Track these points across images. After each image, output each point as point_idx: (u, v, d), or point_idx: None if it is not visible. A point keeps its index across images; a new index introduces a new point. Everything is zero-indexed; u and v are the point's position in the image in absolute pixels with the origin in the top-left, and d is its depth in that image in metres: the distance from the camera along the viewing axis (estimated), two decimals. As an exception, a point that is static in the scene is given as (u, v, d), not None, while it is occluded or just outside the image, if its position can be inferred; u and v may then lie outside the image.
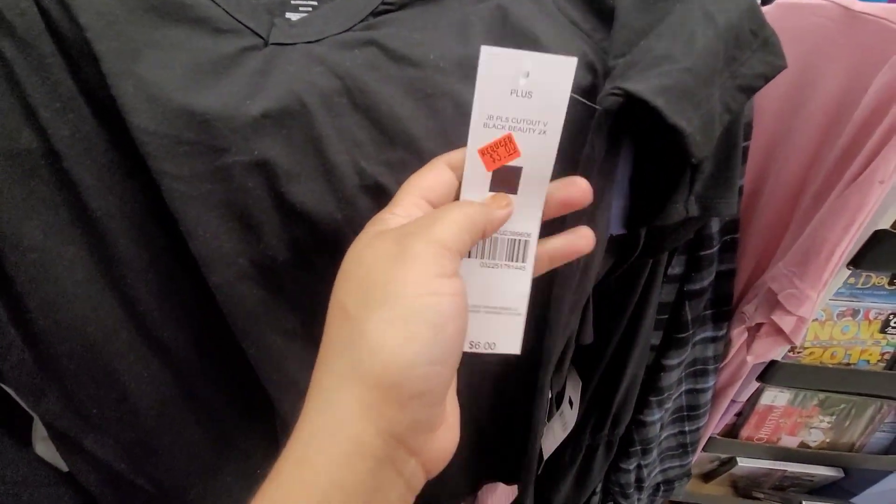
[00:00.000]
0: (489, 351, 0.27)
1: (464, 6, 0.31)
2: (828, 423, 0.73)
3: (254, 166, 0.27)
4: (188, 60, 0.25)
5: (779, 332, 0.40)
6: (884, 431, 0.75)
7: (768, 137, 0.38)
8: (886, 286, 0.58)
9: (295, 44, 0.28)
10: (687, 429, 0.60)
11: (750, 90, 0.29)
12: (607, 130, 0.27)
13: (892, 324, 0.59)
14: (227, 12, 0.27)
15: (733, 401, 0.68)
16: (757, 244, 0.43)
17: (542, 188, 0.24)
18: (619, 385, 0.47)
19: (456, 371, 0.21)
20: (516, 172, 0.24)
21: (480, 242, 0.25)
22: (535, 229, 0.25)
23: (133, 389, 0.31)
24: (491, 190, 0.24)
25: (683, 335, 0.47)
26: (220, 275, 0.28)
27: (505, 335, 0.26)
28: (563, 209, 0.26)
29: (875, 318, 0.59)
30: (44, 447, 0.35)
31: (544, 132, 0.23)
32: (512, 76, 0.22)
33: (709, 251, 0.42)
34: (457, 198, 0.25)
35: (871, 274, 0.57)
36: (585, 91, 0.30)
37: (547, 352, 0.36)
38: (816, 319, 0.60)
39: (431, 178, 0.24)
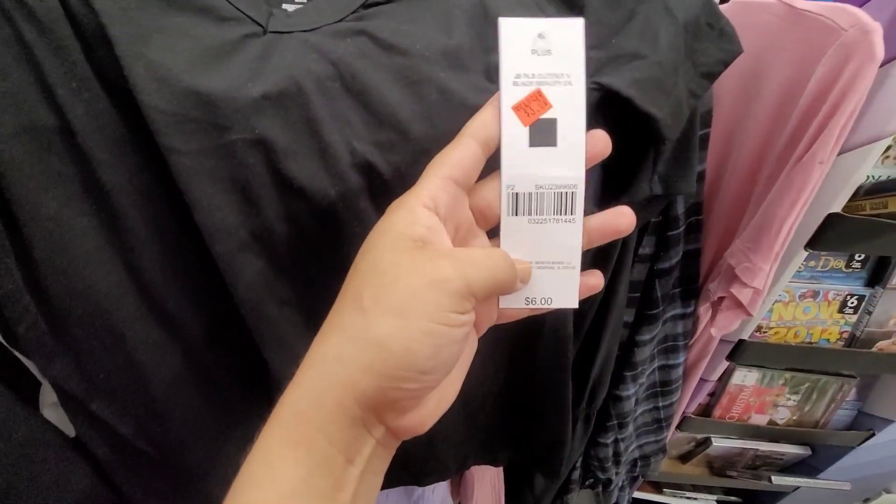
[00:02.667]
0: (546, 306, 0.27)
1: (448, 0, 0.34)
2: (794, 401, 0.77)
3: (254, 144, 0.29)
4: (194, 45, 0.28)
5: (738, 304, 0.43)
6: (846, 409, 0.79)
7: (727, 126, 0.42)
8: (843, 269, 0.62)
9: (291, 32, 0.31)
10: (661, 404, 0.63)
11: (711, 76, 0.32)
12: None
13: (848, 304, 0.63)
14: (229, 2, 0.29)
15: (705, 380, 0.72)
16: (720, 225, 0.46)
17: (580, 137, 0.25)
18: (595, 360, 0.50)
19: (444, 378, 0.24)
20: (552, 124, 0.24)
21: (527, 199, 0.25)
22: (580, 180, 0.25)
23: (139, 355, 0.33)
24: (531, 145, 0.25)
25: (654, 312, 0.50)
26: (222, 245, 0.31)
27: (560, 289, 0.26)
28: (610, 237, 0.27)
29: (834, 299, 0.63)
30: (52, 412, 0.37)
31: (570, 83, 0.24)
32: (530, 38, 0.24)
33: (675, 231, 0.45)
34: (485, 169, 0.25)
35: (830, 257, 0.62)
36: None
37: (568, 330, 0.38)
38: (780, 300, 0.64)
39: (458, 154, 0.24)
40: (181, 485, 0.40)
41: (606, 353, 0.50)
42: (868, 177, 0.50)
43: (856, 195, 0.49)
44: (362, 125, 0.31)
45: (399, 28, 0.32)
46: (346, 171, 0.31)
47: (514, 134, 0.24)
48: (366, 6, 0.33)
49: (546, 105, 0.24)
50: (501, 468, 0.67)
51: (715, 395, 0.79)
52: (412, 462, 0.49)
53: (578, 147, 0.25)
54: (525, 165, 0.25)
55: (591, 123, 0.25)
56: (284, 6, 0.32)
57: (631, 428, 0.63)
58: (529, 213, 0.26)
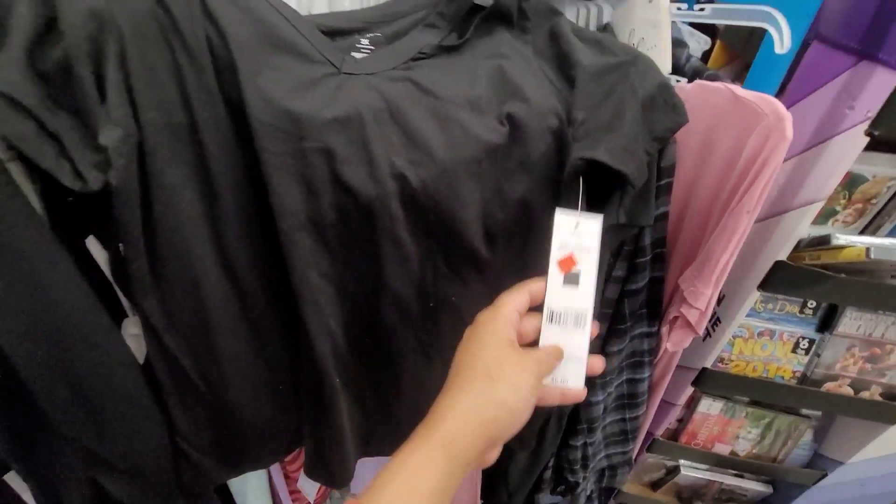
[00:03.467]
0: (562, 385, 0.42)
1: (475, 60, 0.45)
2: (754, 434, 0.84)
3: (321, 151, 0.40)
4: (291, 79, 0.39)
5: (688, 323, 0.52)
6: (803, 450, 0.86)
7: (688, 179, 0.52)
8: (797, 313, 0.70)
9: (358, 74, 0.42)
10: (627, 416, 0.71)
11: (662, 140, 0.42)
12: (573, 178, 0.41)
13: (801, 346, 0.71)
14: (317, 49, 0.41)
15: (672, 403, 0.80)
16: (680, 259, 0.56)
17: (592, 283, 0.40)
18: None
19: None
20: (577, 275, 0.41)
21: (559, 316, 0.41)
22: (590, 308, 0.41)
23: (207, 303, 0.43)
24: (563, 284, 0.41)
25: (623, 326, 0.59)
26: (285, 223, 0.41)
27: (573, 375, 0.41)
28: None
29: (788, 340, 0.71)
30: (130, 340, 0.46)
31: (590, 252, 0.40)
32: (572, 224, 0.40)
33: (643, 259, 0.54)
34: (533, 303, 0.41)
35: (786, 302, 0.70)
36: (554, 129, 0.43)
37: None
38: (740, 336, 0.72)
39: (530, 287, 0.41)
40: (218, 416, 0.49)
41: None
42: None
43: (799, 248, 0.58)
44: (401, 146, 0.41)
45: (436, 78, 0.43)
46: (385, 179, 0.41)
47: (555, 277, 0.41)
48: (413, 59, 0.44)
49: (574, 263, 0.41)
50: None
51: (683, 422, 0.86)
52: (405, 435, 0.58)
53: (591, 290, 0.40)
54: (559, 296, 0.40)
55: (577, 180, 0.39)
56: (353, 54, 0.44)
57: (599, 434, 0.71)
58: (559, 324, 0.41)
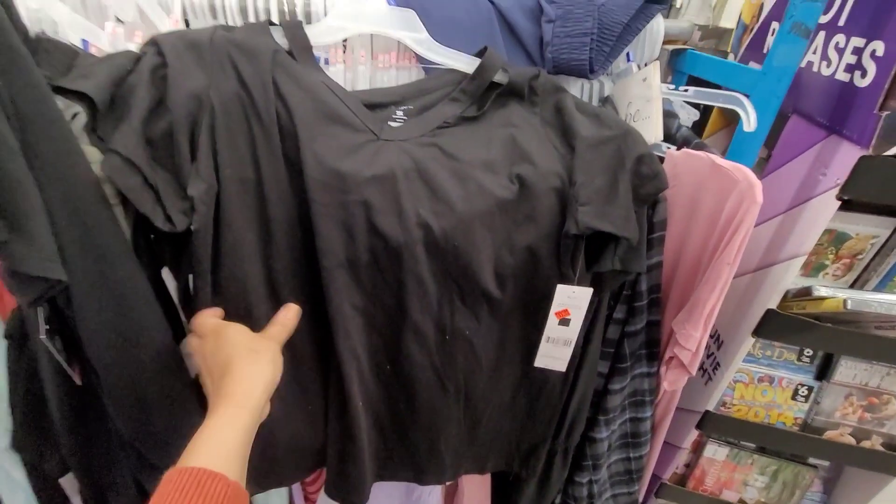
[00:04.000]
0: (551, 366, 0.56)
1: (491, 128, 0.54)
2: (762, 482, 0.85)
3: (360, 203, 0.48)
4: (339, 144, 0.47)
5: (681, 364, 0.57)
6: (813, 500, 0.86)
7: (679, 232, 0.58)
8: (795, 361, 0.74)
9: (393, 140, 0.50)
10: (632, 455, 0.74)
11: (645, 203, 0.49)
12: (575, 242, 0.50)
13: (800, 393, 0.74)
14: (361, 120, 0.50)
15: (676, 446, 0.82)
16: (675, 303, 0.61)
17: (578, 324, 0.55)
18: (573, 398, 0.64)
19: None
20: (569, 319, 0.54)
21: (553, 341, 0.56)
22: (575, 337, 0.56)
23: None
24: (558, 324, 0.55)
25: (624, 365, 0.64)
26: (327, 261, 0.48)
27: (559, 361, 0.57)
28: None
29: (787, 387, 0.74)
30: (186, 359, 0.53)
31: (579, 308, 0.54)
32: (568, 292, 0.52)
33: (640, 303, 0.60)
34: None
35: (784, 349, 0.74)
36: (557, 189, 0.50)
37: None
38: (741, 381, 0.76)
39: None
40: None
41: (582, 392, 0.64)
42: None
43: (787, 298, 0.63)
44: (426, 200, 0.49)
45: (457, 143, 0.51)
46: (411, 227, 0.49)
47: (553, 320, 0.54)
48: (439, 127, 0.53)
49: (568, 314, 0.54)
50: (490, 487, 0.78)
51: (690, 467, 0.88)
52: (417, 460, 0.62)
53: (577, 328, 0.55)
54: (554, 330, 0.55)
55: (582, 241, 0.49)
56: (390, 123, 0.53)
57: (605, 472, 0.74)
58: (552, 344, 0.56)
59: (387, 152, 0.49)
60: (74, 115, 0.46)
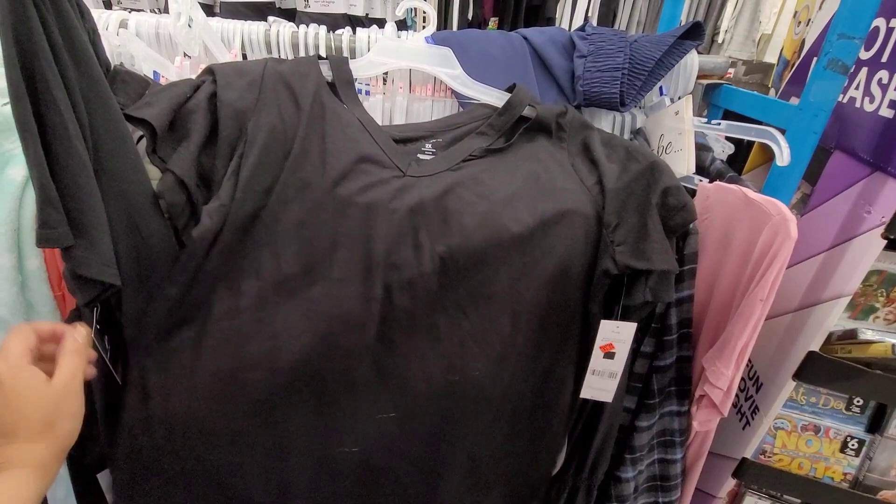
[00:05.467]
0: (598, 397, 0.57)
1: (516, 161, 0.55)
2: (808, 543, 0.78)
3: (377, 236, 0.49)
4: (364, 181, 0.49)
5: (712, 403, 0.54)
6: (869, 570, 0.77)
7: (711, 265, 0.57)
8: (843, 410, 0.68)
9: (419, 177, 0.52)
10: (661, 500, 0.70)
11: (674, 234, 0.49)
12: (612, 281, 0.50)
13: (849, 446, 0.68)
14: (389, 158, 0.52)
15: (712, 496, 0.77)
16: (707, 339, 0.59)
17: (624, 358, 0.54)
18: (597, 431, 0.62)
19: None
20: (613, 353, 0.54)
21: (598, 374, 0.56)
22: (620, 369, 0.55)
23: (281, 346, 0.51)
24: (603, 358, 0.55)
25: (652, 401, 0.61)
26: (348, 290, 0.50)
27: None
28: None
29: (835, 438, 0.69)
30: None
31: (624, 342, 0.54)
32: (612, 327, 0.53)
33: (670, 337, 0.58)
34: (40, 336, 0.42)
35: (830, 397, 0.69)
36: (584, 226, 0.51)
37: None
38: (782, 428, 0.71)
39: (25, 340, 0.40)
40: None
41: (607, 427, 0.62)
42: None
43: (831, 341, 0.60)
44: (443, 234, 0.50)
45: (480, 176, 0.53)
46: (426, 260, 0.49)
47: (597, 353, 0.54)
48: (465, 160, 0.55)
49: (612, 348, 0.54)
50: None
51: (727, 520, 0.82)
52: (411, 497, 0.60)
53: (622, 361, 0.55)
54: (599, 363, 0.55)
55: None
56: (419, 156, 0.55)
57: (630, 515, 0.70)
58: (598, 376, 0.55)
59: (410, 188, 0.51)
60: (141, 137, 0.52)
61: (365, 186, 0.49)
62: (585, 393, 0.57)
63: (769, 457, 0.72)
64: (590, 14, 1.53)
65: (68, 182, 0.41)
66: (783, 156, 0.49)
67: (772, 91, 0.87)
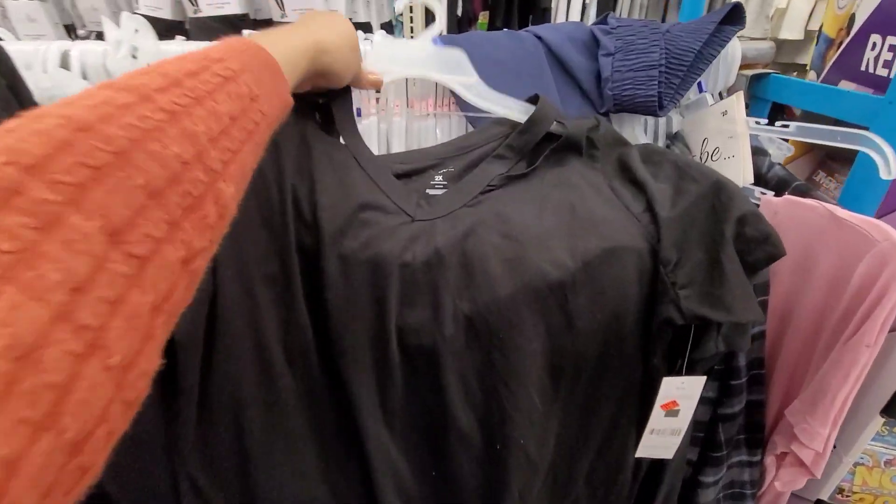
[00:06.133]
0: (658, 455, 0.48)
1: (543, 188, 0.45)
2: (893, 584, 0.69)
3: (387, 298, 0.39)
4: (367, 235, 0.40)
5: (801, 463, 0.45)
6: None
7: (786, 296, 0.47)
8: (933, 440, 0.59)
9: (430, 220, 0.43)
10: (729, 556, 0.61)
11: (755, 269, 0.39)
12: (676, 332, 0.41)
13: (944, 480, 0.59)
14: (394, 202, 0.42)
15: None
16: (783, 381, 0.50)
17: (689, 415, 0.45)
18: (659, 491, 0.53)
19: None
20: (678, 410, 0.45)
21: (659, 433, 0.47)
22: (685, 426, 0.46)
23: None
24: (665, 416, 0.45)
25: (718, 454, 0.52)
26: (352, 367, 0.40)
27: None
28: None
29: (925, 472, 0.60)
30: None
31: (690, 398, 0.45)
32: (676, 383, 0.44)
33: (738, 381, 0.49)
34: None
35: (918, 426, 0.60)
36: (637, 264, 0.41)
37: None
38: (863, 464, 0.62)
39: None
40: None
41: (670, 484, 0.53)
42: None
43: (929, 369, 0.51)
44: (465, 288, 0.41)
45: (503, 212, 0.43)
46: (448, 320, 0.40)
47: (658, 414, 0.45)
48: (483, 192, 0.45)
49: (676, 405, 0.45)
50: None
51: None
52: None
53: (687, 418, 0.45)
54: (660, 422, 0.46)
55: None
56: (428, 192, 0.46)
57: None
58: (657, 435, 0.46)
59: (421, 236, 0.42)
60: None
61: (368, 241, 0.40)
62: (642, 452, 0.48)
63: (847, 496, 0.63)
64: (587, 1, 1.43)
65: None
66: (890, 168, 0.40)
67: (811, 74, 0.77)
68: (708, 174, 0.43)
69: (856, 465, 0.62)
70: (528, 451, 0.45)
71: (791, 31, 1.27)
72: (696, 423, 0.53)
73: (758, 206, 0.49)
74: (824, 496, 0.62)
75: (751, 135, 0.55)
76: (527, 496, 0.48)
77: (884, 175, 0.40)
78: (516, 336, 0.41)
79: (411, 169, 0.46)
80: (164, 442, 0.39)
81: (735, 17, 0.55)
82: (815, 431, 0.42)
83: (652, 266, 0.42)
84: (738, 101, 0.50)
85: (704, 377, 0.43)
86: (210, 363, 0.38)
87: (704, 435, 0.53)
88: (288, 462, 0.43)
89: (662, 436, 0.47)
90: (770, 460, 0.52)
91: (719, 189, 0.40)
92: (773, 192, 0.49)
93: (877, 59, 0.58)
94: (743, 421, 0.52)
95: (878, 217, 0.56)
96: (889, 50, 0.55)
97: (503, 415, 0.43)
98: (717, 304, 0.37)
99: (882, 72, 0.56)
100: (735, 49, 0.56)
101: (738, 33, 0.56)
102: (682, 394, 0.44)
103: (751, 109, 0.65)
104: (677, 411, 0.45)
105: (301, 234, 0.40)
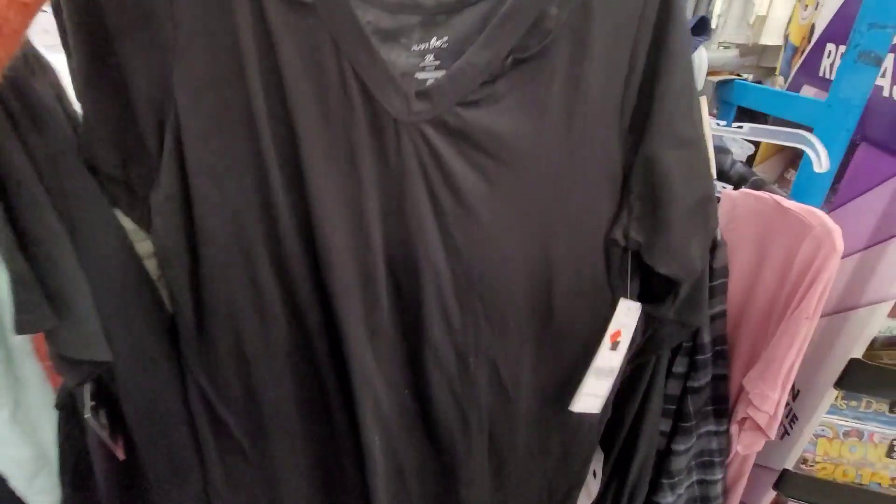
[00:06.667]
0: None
1: (553, 77, 0.39)
2: (856, 550, 0.74)
3: (374, 215, 0.41)
4: (346, 137, 0.38)
5: (758, 427, 0.51)
6: (922, 572, 0.74)
7: (744, 279, 0.53)
8: (887, 413, 0.65)
9: (418, 122, 0.38)
10: (702, 522, 0.66)
11: None
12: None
13: (896, 449, 0.65)
14: (372, 92, 0.37)
15: (754, 509, 0.73)
16: (743, 356, 0.55)
17: (626, 347, 0.48)
18: (634, 459, 0.58)
19: None
20: (618, 342, 0.47)
21: (602, 371, 0.48)
22: (620, 364, 0.48)
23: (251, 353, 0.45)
24: (609, 349, 0.47)
25: (688, 424, 0.58)
26: (339, 281, 0.42)
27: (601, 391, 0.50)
28: None
29: (880, 442, 0.65)
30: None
31: (627, 328, 0.47)
32: (626, 307, 0.46)
33: (703, 356, 0.55)
34: None
35: (871, 400, 0.65)
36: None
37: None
38: (824, 436, 0.67)
39: None
40: (258, 480, 0.51)
41: (644, 454, 0.58)
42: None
43: (875, 346, 0.56)
44: (450, 208, 0.41)
45: (495, 131, 0.39)
46: (432, 239, 0.42)
47: (606, 344, 0.46)
48: (484, 84, 0.38)
49: (620, 335, 0.47)
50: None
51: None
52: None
53: (623, 353, 0.48)
54: (604, 358, 0.47)
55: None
56: (418, 75, 0.39)
57: (672, 542, 0.67)
58: (596, 378, 0.47)
59: (406, 143, 0.38)
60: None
61: (347, 144, 0.38)
62: (577, 406, 0.49)
63: (811, 466, 0.68)
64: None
65: (42, 256, 0.37)
66: (821, 162, 0.45)
67: (780, 79, 0.83)
68: None
69: (817, 437, 0.67)
70: (500, 373, 0.47)
71: (770, 37, 1.33)
72: (667, 397, 0.59)
73: (718, 199, 0.55)
74: (789, 466, 0.67)
75: (715, 135, 0.60)
76: (496, 423, 0.50)
77: (817, 168, 0.46)
78: (498, 259, 0.43)
79: (395, 26, 0.38)
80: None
81: (701, 28, 0.61)
82: (766, 395, 0.47)
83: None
84: (701, 104, 0.55)
85: (640, 303, 0.46)
86: (199, 278, 0.41)
87: (675, 407, 0.59)
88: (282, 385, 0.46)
89: (600, 378, 0.48)
90: (734, 428, 0.57)
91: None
92: (732, 187, 0.54)
93: (832, 65, 0.64)
94: (710, 394, 0.58)
95: (833, 208, 0.62)
96: (840, 58, 0.61)
97: (477, 330, 0.45)
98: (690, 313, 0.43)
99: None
100: (701, 57, 0.62)
101: (722, 38, 0.62)
102: (627, 320, 0.46)
103: (720, 113, 0.70)
104: (618, 344, 0.48)
105: (277, 130, 0.38)
